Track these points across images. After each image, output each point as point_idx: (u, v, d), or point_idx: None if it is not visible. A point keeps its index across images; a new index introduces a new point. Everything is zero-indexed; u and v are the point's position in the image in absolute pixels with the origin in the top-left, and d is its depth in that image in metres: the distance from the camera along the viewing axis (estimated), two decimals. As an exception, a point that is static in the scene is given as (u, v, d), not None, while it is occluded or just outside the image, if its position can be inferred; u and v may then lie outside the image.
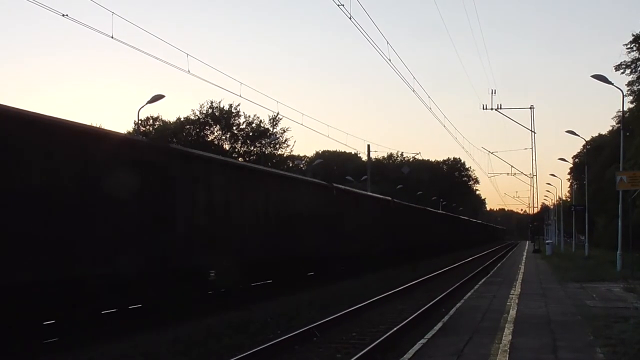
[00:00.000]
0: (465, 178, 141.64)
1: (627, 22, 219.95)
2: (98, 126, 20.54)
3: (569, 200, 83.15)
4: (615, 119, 60.75)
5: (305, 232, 22.00)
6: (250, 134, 69.63)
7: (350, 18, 17.80)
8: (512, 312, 14.30)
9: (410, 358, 9.24)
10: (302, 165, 78.62)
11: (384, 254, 33.04)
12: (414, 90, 28.62)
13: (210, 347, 10.78)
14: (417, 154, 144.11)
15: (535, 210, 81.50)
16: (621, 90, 31.51)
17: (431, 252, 46.09)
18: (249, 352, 10.01)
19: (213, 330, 12.19)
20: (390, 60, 22.77)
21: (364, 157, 59.81)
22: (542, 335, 11.14)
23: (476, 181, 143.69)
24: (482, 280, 24.33)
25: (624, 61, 52.46)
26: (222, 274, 16.34)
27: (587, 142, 56.81)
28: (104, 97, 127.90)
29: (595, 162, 60.44)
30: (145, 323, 12.83)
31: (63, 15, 15.62)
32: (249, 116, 69.50)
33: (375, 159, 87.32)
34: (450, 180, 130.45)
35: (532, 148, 57.07)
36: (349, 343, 11.79)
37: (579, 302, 16.55)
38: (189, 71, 20.24)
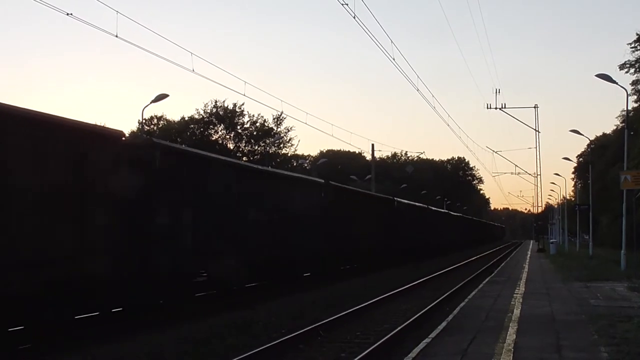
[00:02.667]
0: (470, 177, 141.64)
1: (631, 22, 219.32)
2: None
3: (573, 199, 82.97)
4: (619, 118, 60.86)
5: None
6: (255, 133, 69.73)
7: (354, 17, 17.84)
8: (516, 312, 14.31)
9: (414, 357, 9.26)
10: (306, 165, 78.67)
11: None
12: (418, 90, 28.63)
13: (214, 346, 10.80)
14: (421, 153, 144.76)
15: (540, 210, 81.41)
16: (625, 90, 31.55)
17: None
18: (253, 352, 10.04)
19: (217, 330, 12.21)
20: (394, 59, 22.81)
21: (368, 156, 59.95)
22: (546, 335, 11.15)
23: (480, 180, 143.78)
24: (486, 280, 24.31)
25: (628, 60, 52.59)
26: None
27: (591, 141, 56.66)
28: (108, 96, 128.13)
29: (599, 161, 60.41)
30: (148, 323, 12.87)
31: (67, 14, 15.72)
32: (253, 115, 69.69)
33: (380, 158, 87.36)
34: (454, 179, 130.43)
35: (536, 147, 57.37)
36: (353, 342, 11.82)
37: (583, 302, 16.55)
38: (193, 70, 20.35)
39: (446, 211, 63.37)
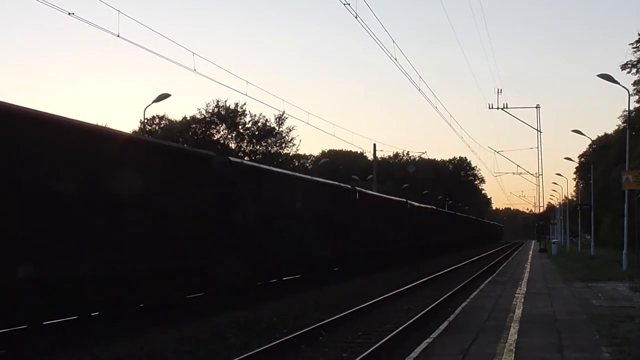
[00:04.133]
0: (471, 177, 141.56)
1: (633, 21, 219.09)
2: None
3: (574, 199, 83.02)
4: (621, 119, 60.74)
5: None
6: (256, 133, 69.72)
7: (356, 17, 17.84)
8: (518, 312, 14.30)
9: (416, 357, 9.25)
10: (308, 165, 78.68)
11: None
12: (420, 90, 28.64)
13: (215, 346, 10.81)
14: (423, 153, 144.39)
15: (541, 210, 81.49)
16: (627, 90, 31.54)
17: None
18: (254, 352, 10.04)
19: (219, 330, 12.22)
20: (396, 59, 22.81)
21: (370, 156, 59.83)
22: (547, 335, 11.14)
23: (482, 180, 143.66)
24: (488, 280, 24.31)
25: (630, 60, 52.54)
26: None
27: (593, 141, 56.78)
28: (110, 96, 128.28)
29: (601, 161, 60.35)
30: (150, 322, 12.88)
31: (69, 13, 15.72)
32: (255, 115, 69.67)
33: (381, 158, 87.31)
34: (456, 179, 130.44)
35: (538, 147, 56.90)
36: (355, 342, 11.82)
37: (585, 302, 16.55)
38: (195, 70, 20.35)
39: (402, 199, 40.01)
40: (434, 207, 52.51)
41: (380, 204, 33.60)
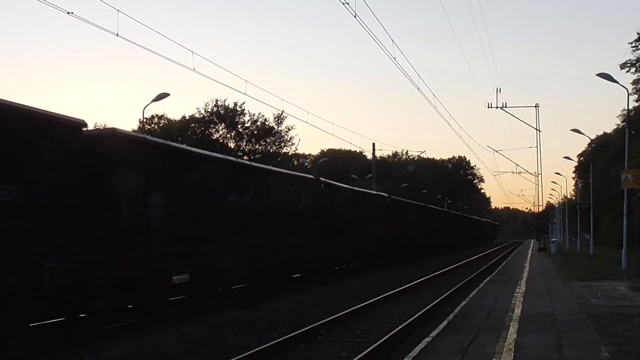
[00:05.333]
0: (470, 176, 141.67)
1: (632, 21, 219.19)
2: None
3: (574, 198, 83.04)
4: (620, 118, 60.79)
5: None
6: (255, 132, 69.74)
7: (355, 16, 17.82)
8: (517, 311, 14.31)
9: (415, 356, 9.26)
10: (307, 164, 78.67)
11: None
12: (419, 89, 28.65)
13: (215, 346, 10.82)
14: (422, 152, 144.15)
15: (540, 209, 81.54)
16: (626, 89, 31.51)
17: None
18: (254, 351, 10.05)
19: (218, 330, 12.23)
20: (395, 58, 22.80)
21: (369, 156, 59.86)
22: (547, 334, 11.16)
23: (481, 180, 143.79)
24: (487, 279, 24.32)
25: (629, 59, 52.54)
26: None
27: (592, 140, 56.86)
28: (109, 95, 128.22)
29: (600, 160, 60.37)
30: (150, 322, 12.88)
31: (68, 13, 15.69)
32: (254, 114, 69.70)
33: (380, 157, 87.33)
34: (455, 178, 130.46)
35: (537, 146, 57.03)
36: (354, 341, 11.83)
37: (584, 301, 16.56)
38: (194, 69, 20.32)
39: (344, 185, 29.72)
40: (387, 195, 36.10)
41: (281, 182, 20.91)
